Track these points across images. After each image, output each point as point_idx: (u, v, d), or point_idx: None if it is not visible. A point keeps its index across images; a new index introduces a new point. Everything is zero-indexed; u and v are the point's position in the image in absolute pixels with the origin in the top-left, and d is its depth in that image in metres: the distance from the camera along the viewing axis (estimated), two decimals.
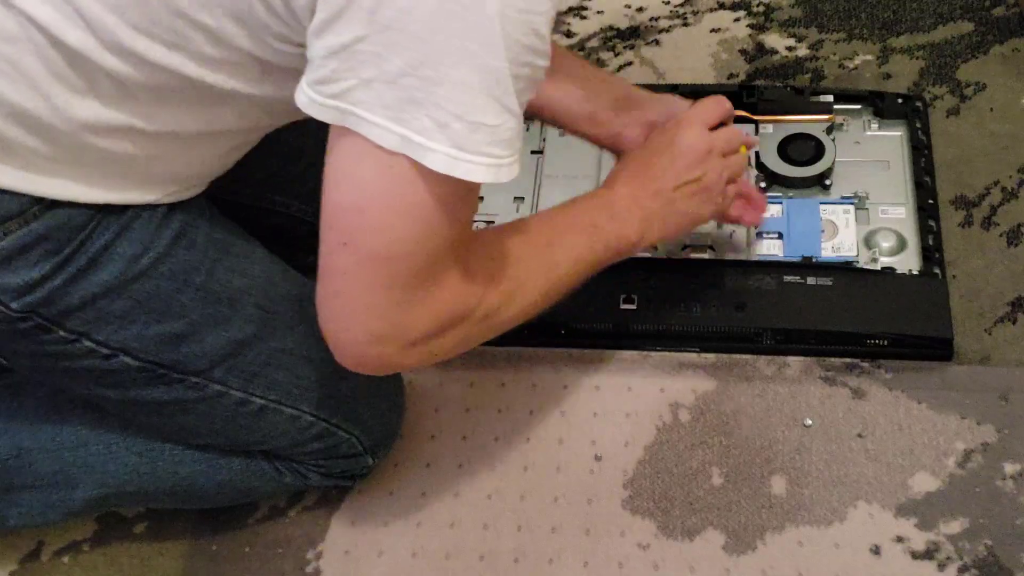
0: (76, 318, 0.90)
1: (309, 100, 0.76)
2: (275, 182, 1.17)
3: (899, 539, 1.06)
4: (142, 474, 1.07)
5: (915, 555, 1.05)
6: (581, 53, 1.48)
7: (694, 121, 1.05)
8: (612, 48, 1.48)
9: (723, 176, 1.06)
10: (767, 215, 1.21)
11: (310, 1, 0.75)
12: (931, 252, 1.19)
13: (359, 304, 0.81)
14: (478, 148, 0.75)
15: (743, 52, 1.45)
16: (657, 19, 1.51)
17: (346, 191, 0.78)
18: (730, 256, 1.22)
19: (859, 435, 1.12)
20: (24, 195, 0.84)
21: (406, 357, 0.85)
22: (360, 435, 1.07)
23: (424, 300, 0.82)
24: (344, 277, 0.80)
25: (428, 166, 0.75)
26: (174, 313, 0.93)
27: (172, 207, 0.93)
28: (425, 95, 0.73)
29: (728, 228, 1.24)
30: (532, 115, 1.12)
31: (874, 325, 1.16)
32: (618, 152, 1.13)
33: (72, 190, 0.86)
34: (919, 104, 1.33)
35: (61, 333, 0.90)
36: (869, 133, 1.31)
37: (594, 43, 1.49)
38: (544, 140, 1.34)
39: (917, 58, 1.41)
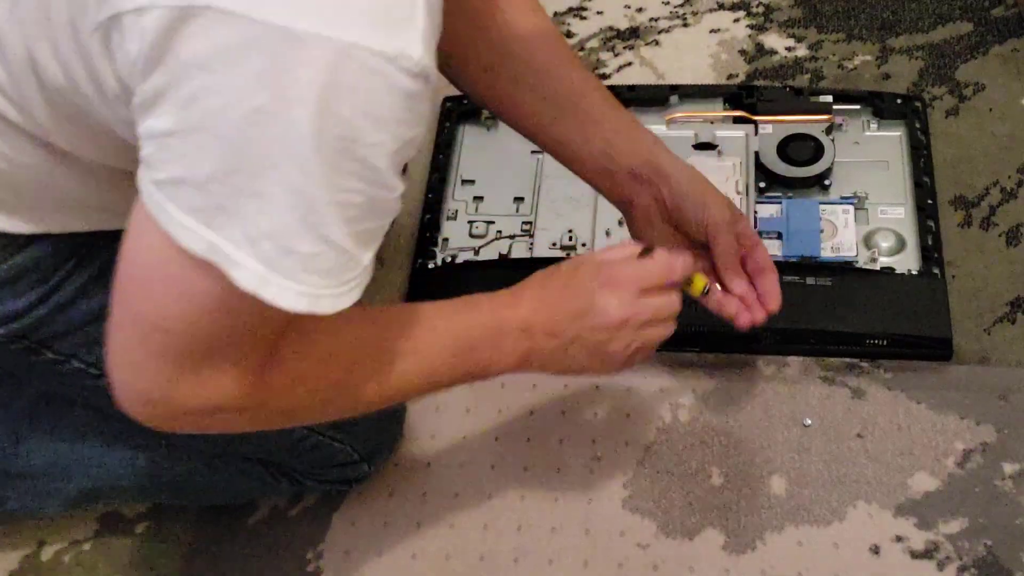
0: (65, 342, 0.89)
1: (140, 178, 0.68)
2: None
3: (898, 539, 1.06)
4: (138, 469, 1.07)
5: (914, 555, 1.05)
6: (581, 54, 1.48)
7: (626, 285, 0.91)
8: (612, 48, 1.48)
9: (630, 347, 0.92)
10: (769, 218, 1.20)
11: (130, 82, 0.67)
12: (930, 252, 1.20)
13: (132, 362, 0.74)
14: (290, 273, 0.67)
15: (742, 52, 1.46)
16: (657, 19, 1.51)
17: (144, 280, 0.70)
18: None
19: (858, 435, 1.13)
20: (4, 233, 0.83)
21: (175, 424, 0.77)
22: (355, 445, 1.07)
23: (196, 381, 0.73)
24: (124, 335, 0.73)
25: (234, 281, 0.66)
26: None
27: None
28: (235, 206, 0.65)
29: None
30: (541, 148, 1.08)
31: (873, 325, 1.16)
32: (622, 211, 1.05)
33: (47, 225, 0.85)
34: (918, 104, 1.33)
35: (50, 355, 0.90)
36: (868, 133, 1.32)
37: (593, 43, 1.49)
38: None
39: (916, 58, 1.41)
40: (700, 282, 0.98)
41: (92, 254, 0.88)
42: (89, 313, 0.88)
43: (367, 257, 0.71)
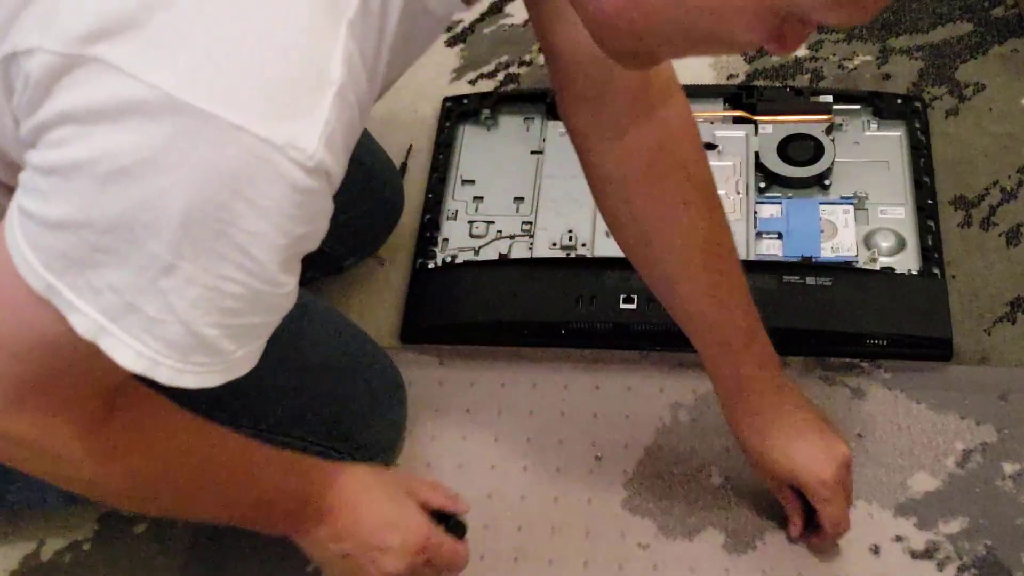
0: None
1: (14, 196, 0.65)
2: None
3: (898, 538, 1.06)
4: None
5: (914, 554, 1.05)
6: None
7: (416, 549, 0.91)
8: None
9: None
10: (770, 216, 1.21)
11: (19, 116, 0.64)
12: (930, 252, 1.20)
13: None
14: (131, 331, 0.63)
15: (743, 52, 1.46)
16: None
17: None
18: None
19: (858, 435, 1.13)
20: None
21: (7, 453, 0.76)
22: (355, 454, 1.07)
23: (31, 415, 0.71)
24: None
25: (72, 325, 0.63)
26: None
27: None
28: (82, 256, 0.61)
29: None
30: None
31: (873, 325, 1.16)
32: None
33: None
34: (918, 104, 1.33)
35: None
36: (868, 133, 1.31)
37: None
38: (544, 140, 1.35)
39: (916, 58, 1.41)
40: None
41: None
42: None
43: (240, 351, 0.67)
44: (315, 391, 1.03)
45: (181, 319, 0.63)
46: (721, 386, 1.00)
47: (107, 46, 0.58)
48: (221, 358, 0.67)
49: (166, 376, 0.65)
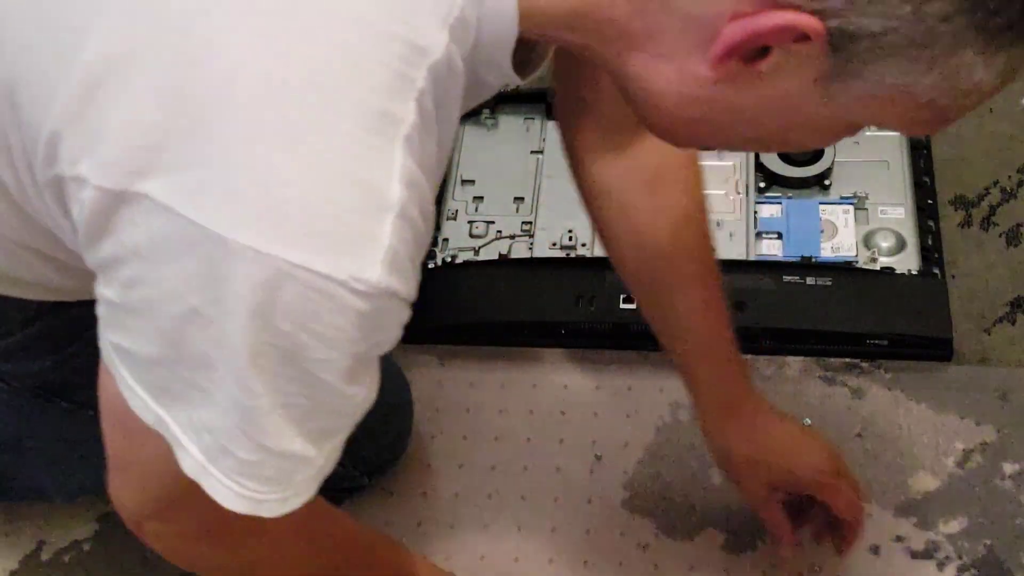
0: (80, 394, 0.90)
1: (99, 331, 0.65)
2: None
3: (898, 539, 1.06)
4: None
5: (914, 554, 1.05)
6: None
7: None
8: None
9: None
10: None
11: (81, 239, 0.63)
12: (930, 252, 1.19)
13: (115, 482, 0.74)
14: (228, 474, 0.62)
15: None
16: None
17: (111, 421, 0.70)
18: (729, 256, 1.22)
19: (858, 435, 1.13)
20: (27, 300, 0.83)
21: (141, 533, 0.76)
22: (359, 467, 1.07)
23: (166, 516, 0.73)
24: (109, 455, 0.72)
25: (178, 461, 0.63)
26: None
27: None
28: (180, 392, 0.61)
29: (727, 228, 1.24)
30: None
31: (873, 325, 1.16)
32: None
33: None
34: None
35: (64, 404, 0.93)
36: (868, 133, 1.31)
37: None
38: (544, 140, 1.35)
39: None
40: None
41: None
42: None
43: (324, 451, 0.65)
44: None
45: (275, 455, 0.62)
46: (708, 399, 0.97)
47: (155, 183, 0.56)
48: (315, 468, 0.66)
49: (272, 510, 0.65)
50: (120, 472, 0.71)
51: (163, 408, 0.62)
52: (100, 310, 0.63)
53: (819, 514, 0.98)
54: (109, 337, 0.63)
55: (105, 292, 0.62)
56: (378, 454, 1.09)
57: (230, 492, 0.63)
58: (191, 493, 0.64)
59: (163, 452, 0.64)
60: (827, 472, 0.97)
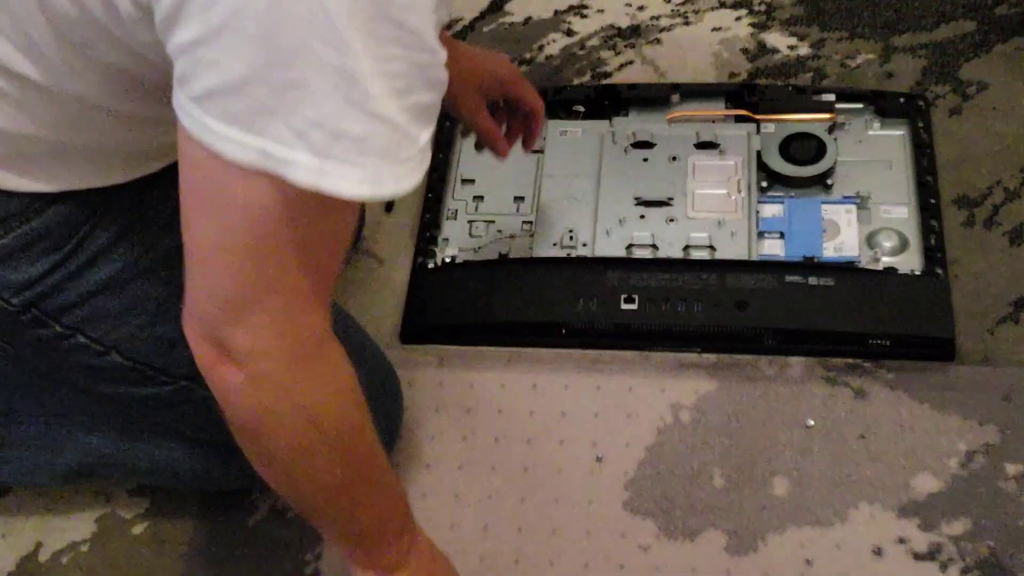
0: (72, 314, 0.90)
1: (176, 102, 0.68)
2: None
3: (901, 540, 1.05)
4: (122, 449, 1.08)
5: (917, 556, 1.04)
6: (582, 52, 1.47)
7: None
8: (613, 47, 1.48)
9: None
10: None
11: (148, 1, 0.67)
12: (933, 252, 1.19)
13: (193, 289, 0.74)
14: (346, 157, 0.65)
15: (744, 51, 1.45)
16: (658, 18, 1.50)
17: (203, 204, 0.71)
18: (731, 256, 1.21)
19: (861, 436, 1.12)
20: (24, 193, 0.85)
21: (216, 372, 0.76)
22: None
23: (246, 319, 0.73)
24: (191, 264, 0.74)
25: (291, 180, 0.65)
26: (168, 318, 0.93)
27: (176, 217, 0.93)
28: (276, 102, 0.64)
29: (729, 227, 1.24)
30: None
31: (876, 325, 1.15)
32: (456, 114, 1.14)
33: (70, 179, 0.86)
34: (921, 103, 1.33)
35: (57, 328, 0.91)
36: (871, 132, 1.31)
37: (595, 42, 1.48)
38: (544, 139, 1.34)
39: (919, 57, 1.41)
40: None
41: (105, 219, 0.89)
42: (97, 283, 0.90)
43: (423, 136, 0.69)
44: None
45: (385, 121, 0.65)
46: None
47: None
48: (418, 149, 0.69)
49: (391, 188, 0.67)
50: (204, 270, 0.72)
51: (262, 134, 0.64)
52: (179, 69, 0.66)
53: (510, 117, 1.17)
54: (191, 92, 0.65)
55: (182, 37, 0.65)
56: None
57: (351, 179, 0.65)
58: (272, 278, 0.70)
59: (246, 210, 0.67)
60: (515, 68, 1.15)
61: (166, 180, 0.90)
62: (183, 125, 0.67)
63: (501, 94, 1.15)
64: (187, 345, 0.92)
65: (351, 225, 0.75)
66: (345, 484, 0.84)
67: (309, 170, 0.65)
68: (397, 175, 0.67)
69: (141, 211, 0.91)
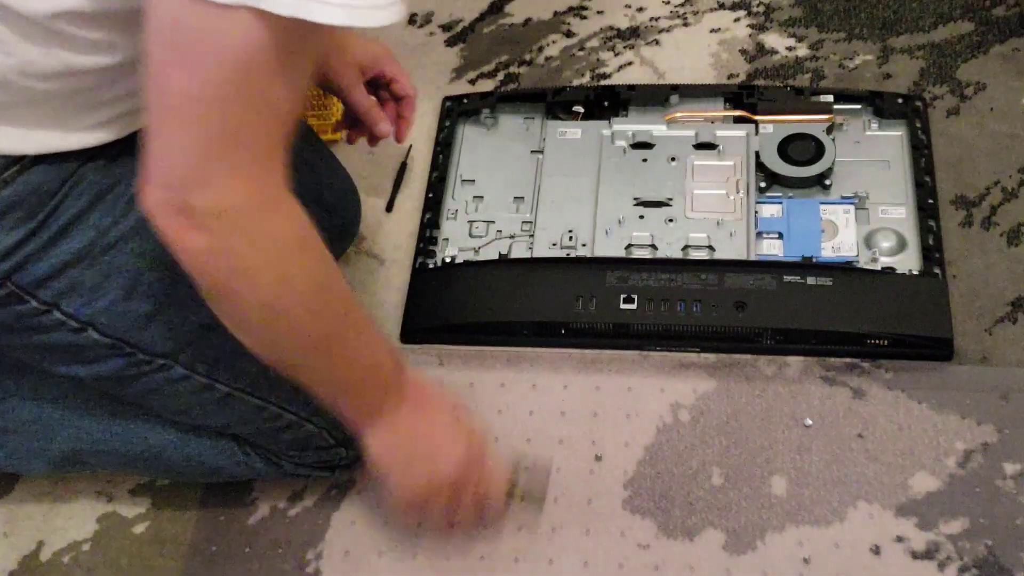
0: (48, 288, 0.91)
1: None
2: None
3: (899, 539, 1.06)
4: (114, 435, 1.09)
5: (915, 555, 1.05)
6: (581, 53, 1.48)
7: (456, 478, 0.97)
8: (612, 48, 1.48)
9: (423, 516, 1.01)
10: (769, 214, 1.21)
11: None
12: (931, 252, 1.19)
13: (162, 144, 0.75)
14: None
15: (743, 52, 1.45)
16: (657, 19, 1.51)
17: (177, 51, 0.71)
18: (730, 256, 1.22)
19: (859, 435, 1.12)
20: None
21: (182, 230, 0.77)
22: (332, 429, 1.06)
23: (216, 172, 0.75)
24: (158, 118, 0.74)
25: (272, 11, 0.67)
26: (142, 292, 0.93)
27: None
28: None
29: (727, 228, 1.24)
30: None
31: (874, 325, 1.15)
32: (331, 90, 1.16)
33: (39, 138, 0.86)
34: (919, 104, 1.33)
35: (33, 304, 0.91)
36: (869, 133, 1.31)
37: (594, 43, 1.49)
38: (544, 140, 1.34)
39: (917, 58, 1.41)
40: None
41: (76, 189, 0.89)
42: (71, 253, 0.90)
43: None
44: None
45: None
46: None
47: None
48: None
49: (374, 18, 0.70)
50: (174, 128, 0.73)
51: None
52: None
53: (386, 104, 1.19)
54: None
55: None
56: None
57: (336, 7, 0.67)
58: (243, 122, 0.71)
59: (226, 46, 0.68)
60: (390, 53, 1.17)
61: (132, 154, 0.88)
62: None
63: (377, 72, 1.17)
64: (163, 321, 0.93)
65: (311, 72, 0.75)
66: (323, 339, 0.86)
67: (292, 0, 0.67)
68: (373, 6, 0.70)
69: (110, 182, 0.91)
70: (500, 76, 1.46)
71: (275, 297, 0.82)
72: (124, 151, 0.91)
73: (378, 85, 1.19)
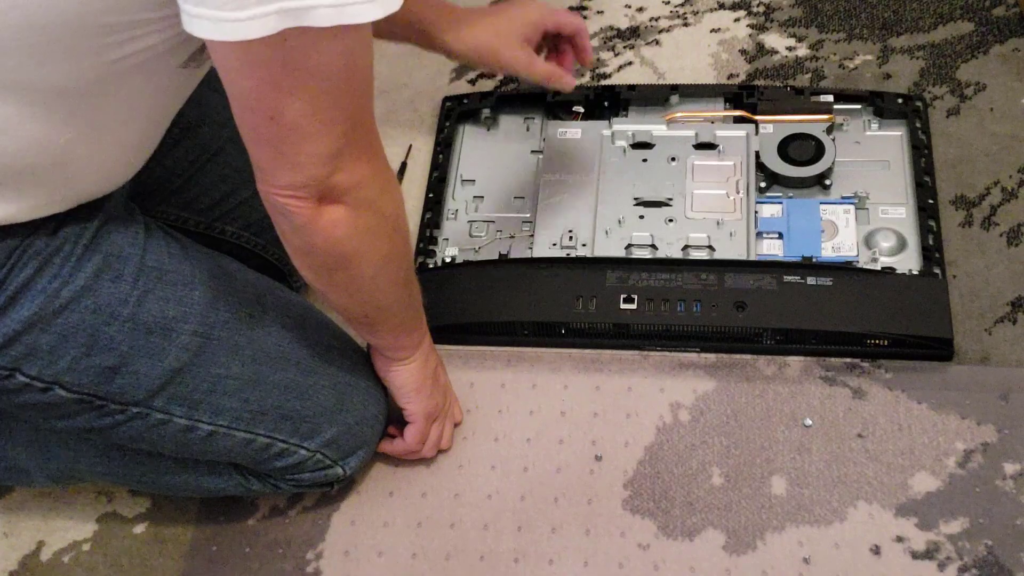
0: (5, 355, 0.90)
1: (187, 17, 0.75)
2: (223, 209, 1.16)
3: (899, 539, 1.06)
4: (112, 459, 1.09)
5: (915, 555, 1.05)
6: None
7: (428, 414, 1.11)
8: (612, 48, 1.48)
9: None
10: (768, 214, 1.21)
11: None
12: (931, 252, 1.19)
13: (277, 162, 0.84)
14: None
15: (743, 52, 1.45)
16: (657, 19, 1.51)
17: (258, 92, 0.79)
18: (730, 256, 1.22)
19: (859, 435, 1.12)
20: None
21: (318, 218, 0.87)
22: (325, 451, 1.06)
23: (341, 166, 0.85)
24: (262, 147, 0.84)
25: (315, 25, 0.74)
26: (102, 346, 0.93)
27: (98, 238, 0.93)
28: None
29: (727, 228, 1.24)
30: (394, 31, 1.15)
31: (874, 325, 1.16)
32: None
33: None
34: (919, 104, 1.33)
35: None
36: (869, 133, 1.31)
37: (594, 43, 1.49)
38: (544, 140, 1.35)
39: (917, 58, 1.41)
40: None
41: (22, 259, 0.89)
42: (22, 321, 0.90)
43: None
44: (273, 382, 1.02)
45: None
46: (442, 22, 1.13)
47: None
48: None
49: (394, 3, 0.77)
50: (303, 139, 0.82)
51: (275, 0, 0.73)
52: None
53: (554, 51, 1.21)
54: (188, 5, 0.74)
55: None
56: (345, 435, 1.08)
57: (367, 3, 0.75)
58: (356, 117, 0.83)
59: (304, 68, 0.78)
60: (542, 6, 1.17)
61: (75, 220, 0.92)
62: (206, 37, 0.75)
63: (541, 34, 1.17)
64: (129, 371, 0.94)
65: (370, 44, 0.83)
66: (407, 280, 1.01)
67: (331, 9, 0.74)
68: None
69: (57, 245, 0.91)
70: (500, 76, 1.46)
71: (388, 249, 0.94)
72: (67, 218, 0.92)
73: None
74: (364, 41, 0.80)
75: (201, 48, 0.87)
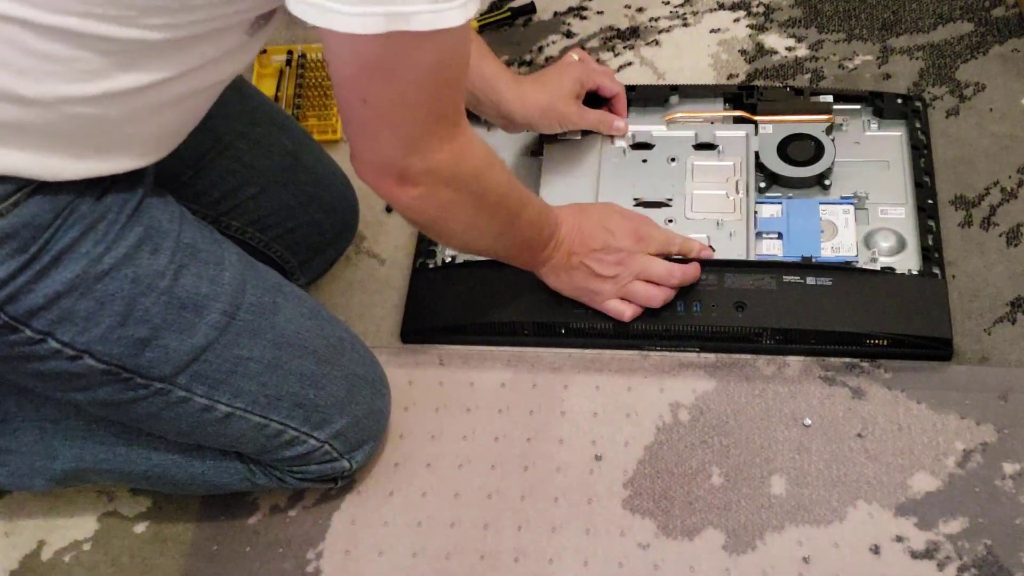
0: (41, 318, 0.90)
1: (295, 10, 0.81)
2: (231, 204, 1.16)
3: (899, 539, 1.06)
4: (117, 454, 1.09)
5: (915, 555, 1.05)
6: None
7: (637, 242, 1.16)
8: (612, 48, 1.48)
9: (615, 291, 1.17)
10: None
11: None
12: (931, 252, 1.20)
13: (372, 141, 0.92)
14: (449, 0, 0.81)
15: (743, 52, 1.46)
16: (657, 19, 1.51)
17: (354, 77, 0.86)
18: (729, 256, 1.22)
19: (859, 435, 1.13)
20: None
21: (395, 186, 0.94)
22: (334, 442, 1.07)
23: (423, 146, 0.92)
24: (360, 123, 0.91)
25: (416, 29, 0.80)
26: (137, 317, 0.93)
27: (140, 210, 0.94)
28: None
29: (727, 228, 1.24)
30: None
31: (874, 325, 1.16)
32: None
33: (45, 164, 0.86)
34: (919, 104, 1.33)
35: (28, 333, 0.91)
36: (869, 133, 1.31)
37: (594, 43, 1.49)
38: (544, 141, 1.34)
39: (917, 58, 1.41)
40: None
41: (68, 219, 0.89)
42: (63, 283, 0.90)
43: None
44: (290, 369, 1.03)
45: None
46: (502, 81, 1.22)
47: None
48: None
49: (475, 6, 0.83)
50: (386, 124, 0.90)
51: (384, 4, 0.79)
52: None
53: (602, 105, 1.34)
54: None
55: None
56: (353, 428, 1.08)
57: (457, 9, 0.81)
58: (441, 106, 0.90)
59: (400, 63, 0.84)
60: (587, 68, 1.31)
61: (120, 189, 0.93)
62: (314, 24, 0.80)
63: (586, 91, 1.31)
64: (160, 345, 0.95)
65: (466, 42, 0.91)
66: (504, 228, 1.07)
67: (429, 13, 0.80)
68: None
69: (101, 212, 0.91)
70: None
71: (471, 217, 1.02)
72: (112, 186, 0.92)
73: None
74: (456, 41, 0.86)
75: (266, 16, 0.90)
